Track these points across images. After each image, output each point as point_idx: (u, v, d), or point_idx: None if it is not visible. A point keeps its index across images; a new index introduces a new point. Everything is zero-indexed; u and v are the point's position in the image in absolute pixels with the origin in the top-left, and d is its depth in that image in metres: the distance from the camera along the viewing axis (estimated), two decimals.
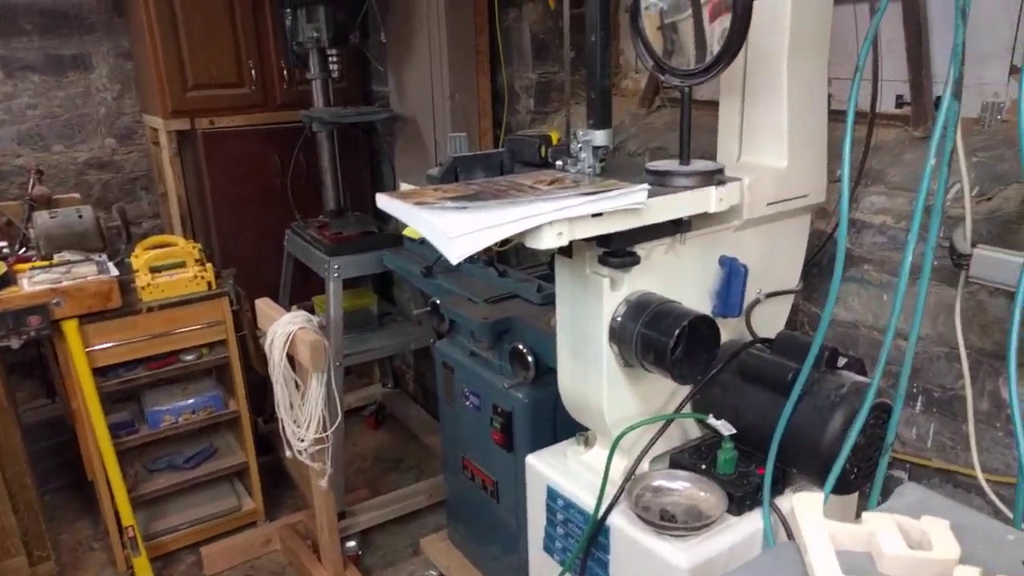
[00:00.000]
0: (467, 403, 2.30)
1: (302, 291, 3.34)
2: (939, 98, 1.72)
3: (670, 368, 1.25)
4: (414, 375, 3.86)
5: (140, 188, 3.67)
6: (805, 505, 0.71)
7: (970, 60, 1.69)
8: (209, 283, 2.72)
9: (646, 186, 1.14)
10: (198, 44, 3.12)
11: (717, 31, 1.20)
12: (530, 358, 2.00)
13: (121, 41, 3.47)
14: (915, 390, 1.74)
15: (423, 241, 2.69)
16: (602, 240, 1.25)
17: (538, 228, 1.08)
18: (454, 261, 1.03)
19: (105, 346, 2.52)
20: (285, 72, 3.25)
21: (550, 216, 1.07)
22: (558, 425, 1.97)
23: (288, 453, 2.47)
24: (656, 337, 1.25)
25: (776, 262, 1.55)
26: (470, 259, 2.49)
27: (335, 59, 2.80)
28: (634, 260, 1.27)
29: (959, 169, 1.40)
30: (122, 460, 2.64)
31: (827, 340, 1.90)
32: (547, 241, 1.10)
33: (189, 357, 2.76)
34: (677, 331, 1.24)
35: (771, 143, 1.46)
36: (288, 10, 2.83)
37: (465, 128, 2.71)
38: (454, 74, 2.63)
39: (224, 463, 2.95)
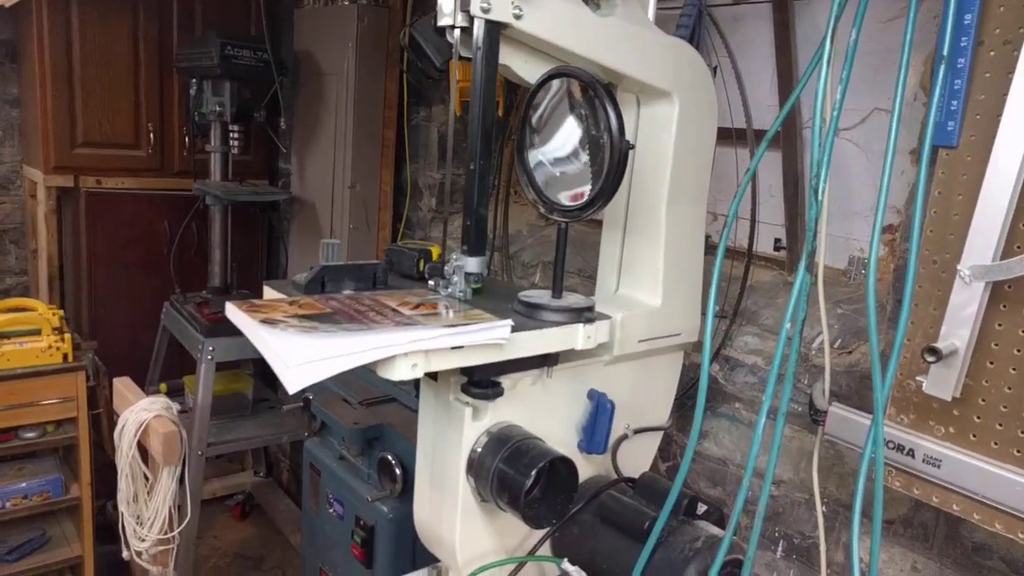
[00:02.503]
0: (331, 510, 2.16)
1: (177, 367, 3.14)
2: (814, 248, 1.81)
3: (523, 511, 1.19)
4: (289, 465, 3.64)
5: (9, 242, 3.41)
6: None
7: (841, 215, 1.80)
8: (65, 355, 2.50)
9: (509, 322, 1.10)
10: (94, 100, 3.00)
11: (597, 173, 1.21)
12: (399, 471, 1.90)
13: (10, 87, 3.29)
14: (777, 534, 1.74)
15: None
16: (466, 369, 1.20)
17: (392, 359, 1.02)
18: (291, 391, 0.95)
19: None
20: (186, 140, 3.15)
21: (404, 348, 1.01)
22: (419, 545, 1.86)
23: (125, 553, 2.23)
24: (513, 476, 1.19)
25: (646, 398, 1.53)
26: None
27: (236, 135, 2.73)
28: (497, 391, 1.22)
29: (822, 321, 1.45)
30: None
31: (696, 474, 1.91)
32: (400, 372, 1.03)
33: (30, 435, 2.50)
34: (534, 472, 1.18)
35: (647, 281, 1.48)
36: (194, 80, 2.76)
37: (364, 219, 2.66)
38: (357, 164, 2.60)
39: (55, 556, 2.64)
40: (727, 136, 1.83)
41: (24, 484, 2.52)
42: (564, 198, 1.27)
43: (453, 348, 1.08)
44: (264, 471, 3.68)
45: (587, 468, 1.46)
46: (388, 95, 2.62)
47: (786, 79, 1.81)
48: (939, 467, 1.20)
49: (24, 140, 3.32)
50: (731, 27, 1.93)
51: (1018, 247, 1.08)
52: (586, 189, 1.20)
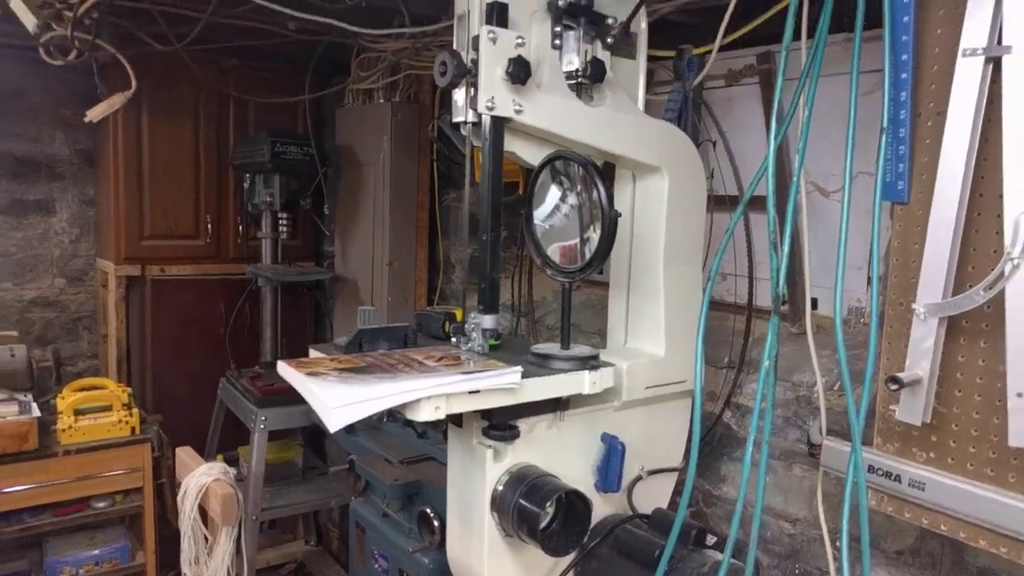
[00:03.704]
0: (376, 565, 2.29)
1: (233, 440, 3.35)
2: (814, 299, 1.95)
3: (541, 540, 1.33)
4: (339, 532, 3.77)
5: (83, 328, 3.72)
6: None
7: (827, 269, 1.93)
8: (133, 428, 2.74)
9: (519, 369, 1.27)
10: (160, 197, 3.33)
11: (594, 239, 1.40)
12: (436, 523, 2.03)
13: (87, 189, 3.67)
14: (797, 571, 1.81)
15: None
16: (485, 414, 1.37)
17: (417, 402, 1.20)
18: (332, 429, 1.13)
19: (12, 489, 2.48)
20: (240, 228, 3.45)
21: (428, 392, 1.19)
22: None
23: None
24: (530, 509, 1.33)
25: (658, 441, 1.66)
26: (392, 418, 2.56)
27: (285, 222, 3.01)
28: (514, 434, 1.38)
29: (827, 366, 1.58)
30: None
31: (719, 518, 2.01)
32: (425, 414, 1.21)
33: (101, 504, 2.71)
34: (549, 504, 1.33)
35: (651, 333, 1.63)
36: (247, 175, 3.07)
37: (402, 293, 2.89)
38: (394, 244, 2.84)
39: None
40: (722, 203, 2.00)
41: (96, 552, 2.72)
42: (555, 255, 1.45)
43: (471, 392, 1.25)
44: (315, 540, 3.81)
45: (605, 507, 1.59)
46: (421, 181, 2.88)
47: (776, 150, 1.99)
48: (923, 490, 1.31)
49: (98, 235, 3.67)
50: (725, 106, 2.13)
51: (970, 285, 1.22)
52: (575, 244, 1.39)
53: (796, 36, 1.41)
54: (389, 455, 2.35)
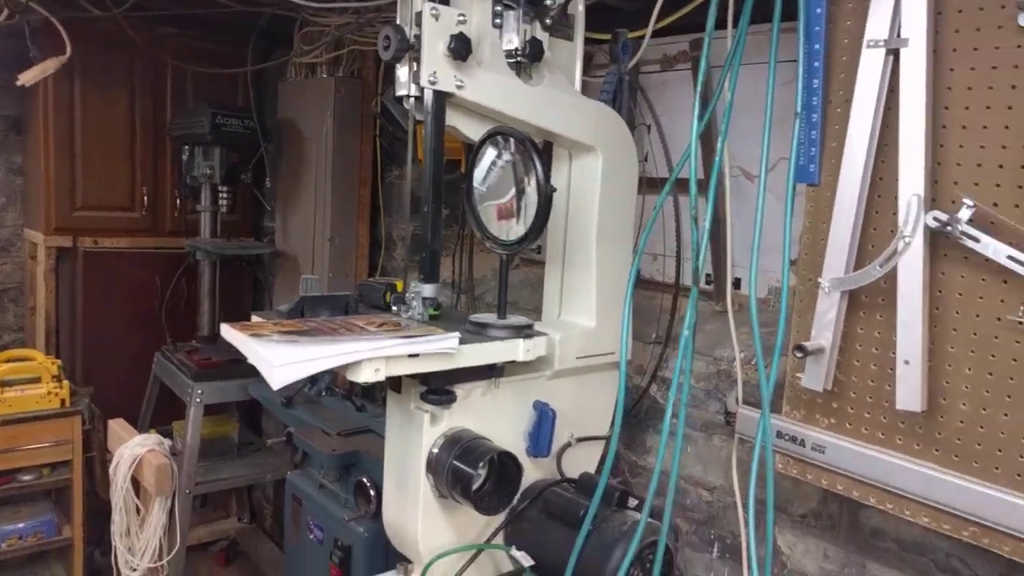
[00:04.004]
0: (311, 536, 2.32)
1: (167, 416, 3.30)
2: (737, 279, 2.06)
3: (473, 500, 1.39)
4: (272, 510, 3.77)
5: (8, 300, 3.60)
6: None
7: (760, 251, 2.05)
8: (63, 400, 2.68)
9: (457, 334, 1.33)
10: (93, 167, 3.25)
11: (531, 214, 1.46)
12: (373, 492, 2.08)
13: (14, 157, 3.54)
14: (712, 536, 1.93)
15: None
16: (423, 379, 1.42)
17: (358, 363, 1.24)
18: (275, 387, 1.17)
19: None
20: (178, 201, 3.40)
21: (368, 354, 1.23)
22: (392, 560, 2.03)
23: None
24: (464, 469, 1.40)
25: (588, 410, 1.75)
26: (330, 391, 2.58)
27: (225, 195, 2.98)
28: (451, 398, 1.44)
29: (747, 342, 1.68)
30: None
31: (642, 486, 2.11)
32: (366, 375, 1.25)
33: (27, 477, 2.66)
34: (482, 465, 1.39)
35: (583, 307, 1.71)
36: (186, 147, 3.02)
37: (343, 268, 2.90)
38: (335, 220, 2.85)
39: None
40: (655, 186, 2.09)
41: (21, 525, 2.67)
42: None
43: (410, 356, 1.30)
44: (248, 517, 3.80)
45: (535, 472, 1.66)
46: (363, 157, 2.89)
47: (706, 134, 2.09)
48: (824, 453, 1.43)
49: (26, 205, 3.55)
50: (660, 90, 2.22)
51: (870, 262, 1.33)
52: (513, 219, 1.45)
53: (724, 25, 1.50)
54: (327, 427, 2.38)
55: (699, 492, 1.97)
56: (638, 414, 2.09)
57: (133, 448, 2.31)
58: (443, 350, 1.32)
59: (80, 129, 3.19)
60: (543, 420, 1.60)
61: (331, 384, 2.61)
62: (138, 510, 2.35)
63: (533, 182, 1.42)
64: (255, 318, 1.56)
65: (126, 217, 3.38)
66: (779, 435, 1.50)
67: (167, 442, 2.39)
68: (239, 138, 2.89)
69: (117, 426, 2.51)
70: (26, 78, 2.54)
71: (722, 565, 1.90)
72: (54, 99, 3.08)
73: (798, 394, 1.49)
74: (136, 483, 2.38)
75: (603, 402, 1.81)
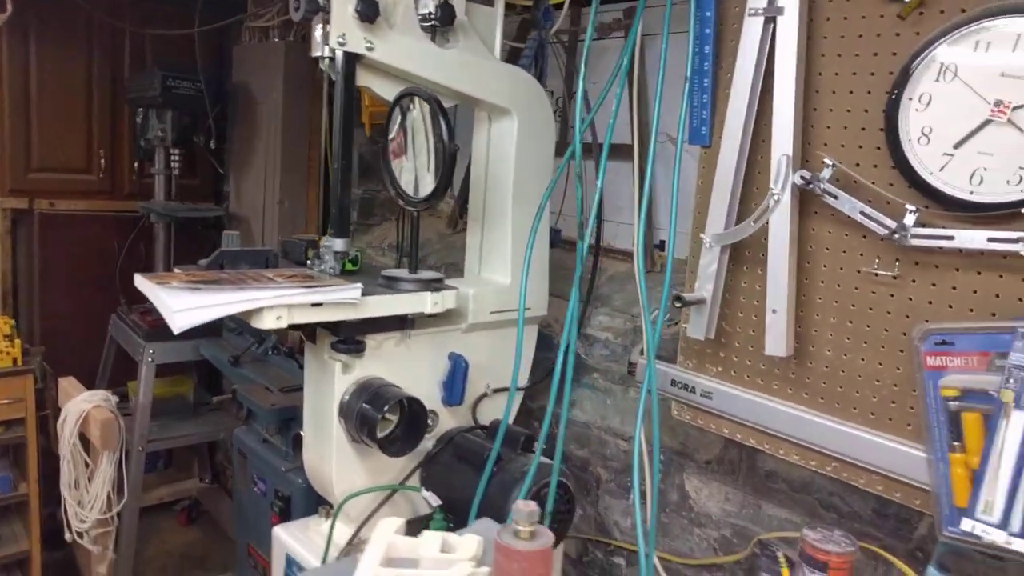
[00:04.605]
0: (255, 488, 2.41)
1: (125, 377, 3.37)
2: (662, 241, 2.14)
3: (379, 443, 1.48)
4: (233, 471, 3.86)
5: None
6: (384, 525, 0.94)
7: (683, 215, 2.14)
8: (15, 359, 2.74)
9: (359, 285, 1.40)
10: (49, 128, 3.27)
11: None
12: None
13: None
14: (628, 484, 2.03)
15: (240, 331, 2.85)
16: (335, 330, 1.50)
17: (260, 311, 1.32)
18: (176, 330, 1.24)
19: None
20: (134, 164, 3.43)
21: (269, 302, 1.31)
22: None
23: (68, 536, 2.45)
24: (370, 413, 1.48)
25: (505, 362, 1.83)
26: (276, 351, 2.65)
27: (177, 158, 3.02)
28: (360, 348, 1.52)
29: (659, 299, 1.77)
30: None
31: (567, 439, 2.21)
32: (267, 322, 1.33)
33: None
34: (387, 408, 1.47)
35: (499, 263, 1.79)
36: (140, 109, 3.05)
37: (292, 231, 2.96)
38: (285, 183, 2.91)
39: (3, 551, 2.84)
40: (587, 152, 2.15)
41: None
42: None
43: (313, 305, 1.37)
44: (210, 477, 3.89)
45: (451, 420, 1.75)
46: (313, 121, 2.94)
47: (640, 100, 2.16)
48: (711, 399, 1.52)
49: None
50: (597, 57, 2.27)
51: (754, 222, 1.41)
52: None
53: None
54: (270, 384, 2.47)
55: (617, 443, 2.07)
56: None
57: (79, 404, 2.38)
58: (344, 300, 1.39)
59: (36, 90, 3.20)
60: (456, 370, 1.69)
61: (277, 344, 2.68)
62: (87, 464, 2.42)
63: (440, 141, 1.48)
64: (177, 270, 1.62)
65: (83, 180, 3.41)
66: (673, 383, 1.59)
67: (114, 398, 2.46)
68: (190, 100, 2.93)
69: (67, 384, 2.57)
70: None
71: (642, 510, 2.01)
72: (7, 61, 3.09)
73: (690, 344, 1.58)
74: (85, 440, 2.45)
75: (523, 355, 1.89)
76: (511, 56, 2.08)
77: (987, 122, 1.11)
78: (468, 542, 0.91)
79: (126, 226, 3.43)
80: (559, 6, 1.87)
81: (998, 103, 1.09)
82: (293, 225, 2.95)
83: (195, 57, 3.50)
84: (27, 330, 3.33)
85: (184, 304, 1.23)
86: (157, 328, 2.90)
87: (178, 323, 1.23)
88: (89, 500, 2.41)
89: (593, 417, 2.12)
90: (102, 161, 3.43)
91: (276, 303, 1.32)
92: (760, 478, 1.73)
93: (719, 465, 1.82)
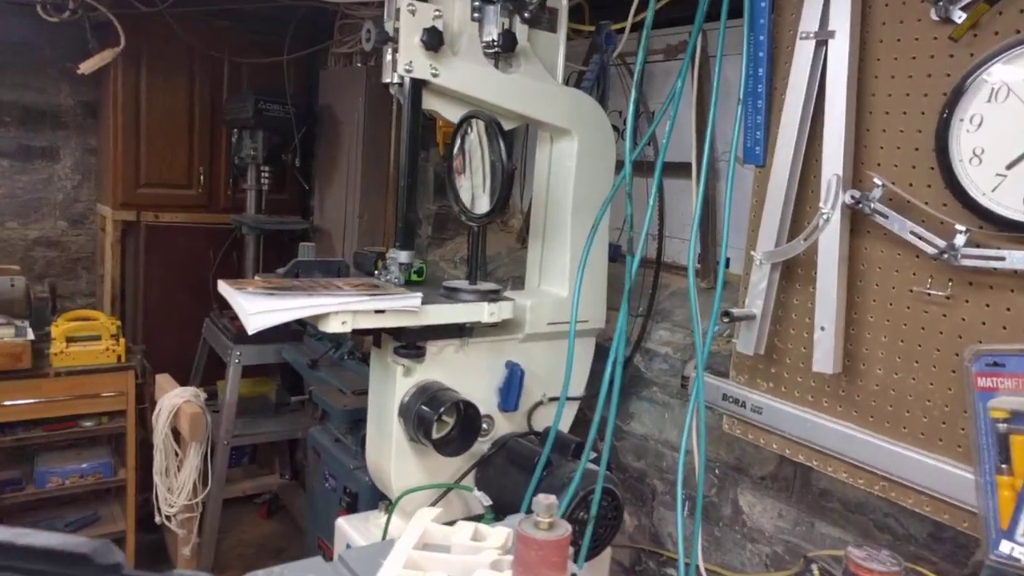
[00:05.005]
0: (327, 484, 2.55)
1: (215, 376, 3.60)
2: (728, 258, 2.16)
3: (434, 442, 1.56)
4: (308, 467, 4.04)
5: (81, 268, 3.98)
6: (421, 513, 1.02)
7: (743, 231, 2.14)
8: (119, 356, 2.99)
9: (419, 294, 1.50)
10: (156, 149, 3.57)
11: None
12: None
13: (90, 139, 3.91)
14: (683, 497, 2.04)
15: (319, 336, 3.02)
16: (397, 336, 1.60)
17: (327, 316, 1.43)
18: (250, 331, 1.36)
19: (7, 403, 2.75)
20: (231, 180, 3.69)
21: (335, 307, 1.42)
22: None
23: (157, 519, 2.65)
24: (427, 413, 1.57)
25: (561, 372, 1.88)
26: (351, 356, 2.79)
27: (267, 175, 3.24)
28: (420, 353, 1.61)
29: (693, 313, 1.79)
30: (6, 517, 2.78)
31: (625, 450, 2.24)
32: (333, 326, 1.44)
33: (88, 423, 2.98)
34: (443, 409, 1.56)
35: (558, 277, 1.86)
36: (235, 130, 3.29)
37: (371, 243, 3.11)
38: (365, 199, 3.07)
39: (103, 530, 3.09)
40: (641, 168, 2.19)
41: (84, 465, 3.00)
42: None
43: (376, 312, 1.48)
44: (289, 474, 4.09)
45: (507, 425, 1.82)
46: (392, 141, 3.09)
47: (700, 120, 2.19)
48: (761, 414, 1.53)
49: (98, 182, 3.91)
50: (663, 79, 2.32)
51: (804, 240, 1.43)
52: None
53: (710, 18, 1.60)
54: (344, 387, 2.60)
55: (674, 455, 2.09)
56: (623, 382, 2.21)
57: (172, 398, 2.58)
58: (404, 307, 1.48)
59: (145, 114, 3.50)
60: (512, 378, 1.76)
61: (353, 349, 2.83)
62: (176, 454, 2.62)
63: (498, 160, 1.57)
64: (257, 278, 1.76)
65: (184, 194, 3.68)
66: (725, 397, 1.61)
67: (203, 395, 2.66)
68: (279, 121, 3.14)
69: (163, 380, 2.79)
70: (85, 67, 2.84)
71: (691, 522, 2.02)
72: (122, 87, 3.39)
73: (742, 359, 1.59)
74: (176, 433, 2.65)
75: (577, 366, 1.94)
76: (578, 78, 2.16)
77: None
78: (498, 533, 0.97)
79: (221, 237, 3.69)
80: (621, 31, 1.93)
81: None
82: (372, 238, 3.10)
83: (285, 82, 3.75)
84: (131, 330, 3.62)
85: (259, 308, 1.36)
86: (244, 332, 3.09)
87: (253, 324, 1.35)
88: (178, 487, 2.60)
89: (651, 430, 2.14)
90: (201, 178, 3.70)
91: (341, 308, 1.42)
92: (814, 496, 1.72)
93: (773, 481, 1.81)
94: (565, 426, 1.97)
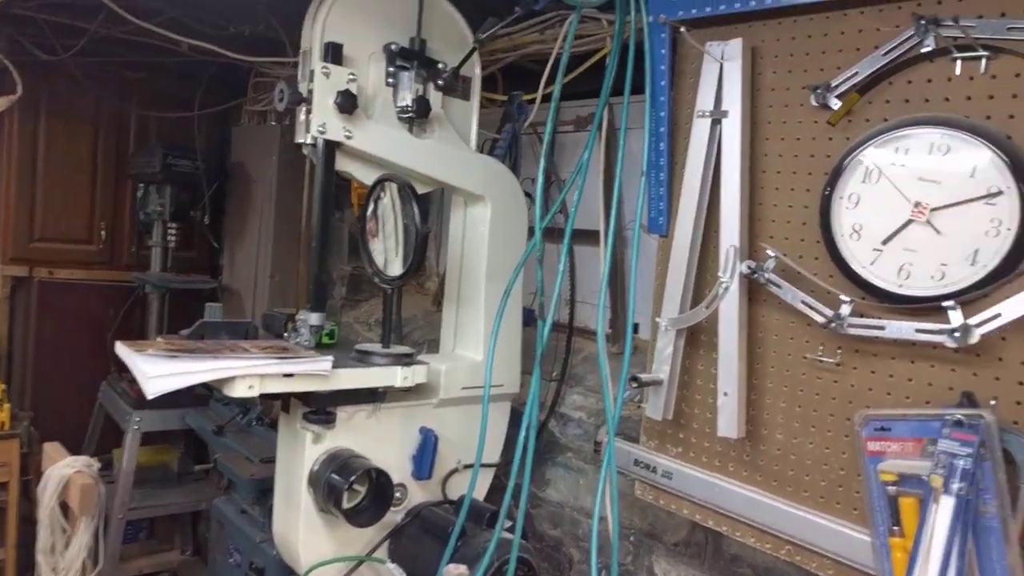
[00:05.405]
0: (231, 560, 2.40)
1: (113, 444, 3.38)
2: (636, 324, 2.21)
3: (345, 512, 1.51)
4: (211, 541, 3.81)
5: None
6: None
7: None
8: (3, 423, 2.78)
9: (330, 358, 1.47)
10: (54, 201, 3.40)
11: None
12: None
13: None
14: (599, 565, 2.03)
15: (226, 401, 2.90)
16: (307, 401, 1.56)
17: (232, 379, 1.37)
18: (149, 395, 1.30)
19: None
20: (135, 236, 3.55)
21: (241, 371, 1.37)
22: None
23: None
24: (336, 483, 1.52)
25: (476, 438, 1.87)
26: (260, 421, 2.69)
27: (174, 231, 3.14)
28: (330, 419, 1.57)
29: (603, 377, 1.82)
30: None
31: (541, 518, 2.22)
32: (239, 390, 1.38)
33: None
34: (353, 478, 1.51)
35: (473, 340, 1.86)
36: (141, 184, 3.19)
37: (283, 304, 3.04)
38: (276, 258, 3.01)
39: None
40: (551, 235, 2.23)
41: None
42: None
43: (285, 376, 1.43)
44: (191, 550, 3.84)
45: (421, 494, 1.78)
46: (306, 200, 3.06)
47: (608, 189, 2.27)
48: (672, 479, 1.56)
49: None
50: (572, 149, 2.40)
51: (706, 307, 1.48)
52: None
53: (618, 92, 1.67)
54: (251, 455, 2.49)
55: (589, 523, 2.08)
56: (538, 448, 2.21)
57: (61, 469, 2.40)
58: (315, 371, 1.45)
59: (43, 164, 3.35)
60: (425, 444, 1.73)
61: (261, 415, 2.72)
62: (64, 530, 2.43)
63: (411, 223, 1.57)
64: (159, 339, 1.69)
65: (83, 250, 3.52)
66: (636, 463, 1.63)
67: (96, 464, 2.49)
68: (188, 177, 3.06)
69: (51, 449, 2.60)
70: None
71: None
72: (17, 135, 3.24)
73: (652, 425, 1.62)
74: (65, 507, 2.46)
75: (492, 432, 1.93)
76: (492, 146, 2.21)
77: (909, 221, 1.19)
78: None
79: (122, 296, 3.52)
80: (533, 101, 2.00)
81: (917, 204, 1.18)
82: (284, 299, 3.03)
83: (195, 137, 3.68)
84: (18, 394, 3.37)
85: (159, 371, 1.30)
86: (144, 396, 2.93)
87: (152, 388, 1.29)
88: (64, 567, 2.40)
89: (567, 496, 2.14)
90: (103, 233, 3.55)
91: (248, 372, 1.38)
92: (726, 561, 1.75)
93: (687, 547, 1.83)
94: (481, 494, 1.94)
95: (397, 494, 1.67)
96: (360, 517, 1.56)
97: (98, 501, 2.39)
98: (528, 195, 2.17)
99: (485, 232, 1.82)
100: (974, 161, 1.15)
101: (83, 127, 3.44)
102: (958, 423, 1.08)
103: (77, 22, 2.53)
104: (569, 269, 2.17)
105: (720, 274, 1.38)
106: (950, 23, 1.18)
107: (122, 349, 1.44)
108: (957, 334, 1.12)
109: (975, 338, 1.11)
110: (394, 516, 1.69)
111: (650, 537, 1.91)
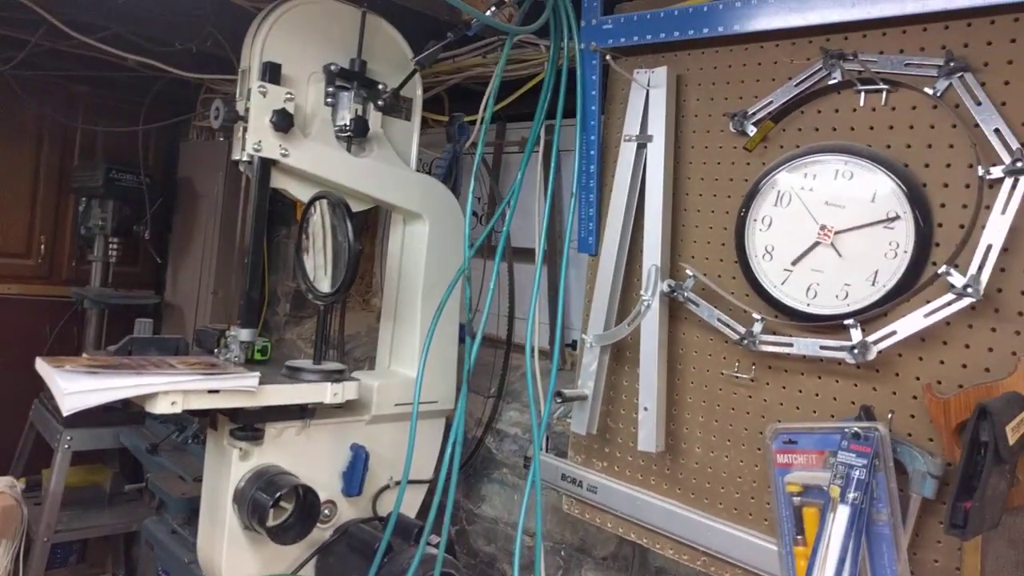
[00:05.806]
0: None
1: (44, 463, 3.27)
2: (575, 341, 2.24)
3: (268, 530, 1.50)
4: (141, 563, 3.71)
5: None
6: None
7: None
8: None
9: (257, 374, 1.46)
10: None
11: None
12: None
13: None
14: None
15: (163, 419, 2.84)
16: (234, 417, 1.55)
17: (155, 396, 1.36)
18: (65, 412, 1.28)
19: None
20: (76, 251, 3.48)
21: (164, 387, 1.36)
22: None
23: None
24: (260, 500, 1.51)
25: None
26: (196, 439, 2.64)
27: (115, 246, 3.08)
28: (258, 435, 1.56)
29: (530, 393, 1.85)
30: None
31: (476, 534, 2.22)
32: (161, 407, 1.37)
33: None
34: (278, 495, 1.50)
35: (408, 357, 1.87)
36: (83, 198, 3.14)
37: (226, 321, 3.00)
38: (220, 274, 2.98)
39: None
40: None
41: None
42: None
43: (210, 392, 1.43)
44: (124, 573, 3.72)
45: (351, 511, 1.77)
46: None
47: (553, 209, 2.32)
48: (597, 493, 1.58)
49: None
50: (516, 168, 2.44)
51: (629, 324, 1.52)
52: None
53: (552, 116, 1.72)
54: (185, 473, 2.44)
55: (523, 538, 2.09)
56: (474, 464, 2.22)
57: None
58: (240, 387, 1.44)
59: None
60: (356, 461, 1.73)
61: (198, 432, 2.68)
62: None
63: (345, 240, 1.59)
64: (84, 355, 1.66)
65: (21, 264, 3.43)
66: (563, 477, 1.65)
67: (20, 484, 2.41)
68: (132, 192, 3.02)
69: None
70: None
71: None
72: None
73: (579, 440, 1.65)
74: None
75: (426, 448, 1.94)
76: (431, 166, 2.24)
77: (816, 243, 1.25)
78: None
79: (61, 311, 3.44)
80: (473, 122, 2.04)
81: (823, 227, 1.24)
82: (226, 315, 3.00)
83: (140, 151, 3.63)
84: None
85: (76, 387, 1.28)
86: (77, 414, 2.86)
87: (68, 405, 1.27)
88: None
89: (501, 512, 2.15)
90: (42, 247, 3.47)
91: (169, 388, 1.37)
92: (651, 574, 1.77)
93: (614, 561, 1.86)
94: (413, 510, 1.94)
95: (326, 511, 1.67)
96: (286, 535, 1.55)
97: (20, 523, 2.31)
98: (476, 214, 2.21)
99: (423, 249, 1.84)
100: (874, 187, 1.22)
101: (24, 140, 3.37)
102: (855, 435, 1.13)
103: (18, 34, 2.49)
104: (509, 286, 2.20)
105: (642, 292, 1.43)
106: (852, 57, 1.25)
107: (42, 365, 1.42)
108: (856, 351, 1.18)
109: (872, 354, 1.17)
110: (323, 533, 1.68)
111: (580, 551, 1.93)
